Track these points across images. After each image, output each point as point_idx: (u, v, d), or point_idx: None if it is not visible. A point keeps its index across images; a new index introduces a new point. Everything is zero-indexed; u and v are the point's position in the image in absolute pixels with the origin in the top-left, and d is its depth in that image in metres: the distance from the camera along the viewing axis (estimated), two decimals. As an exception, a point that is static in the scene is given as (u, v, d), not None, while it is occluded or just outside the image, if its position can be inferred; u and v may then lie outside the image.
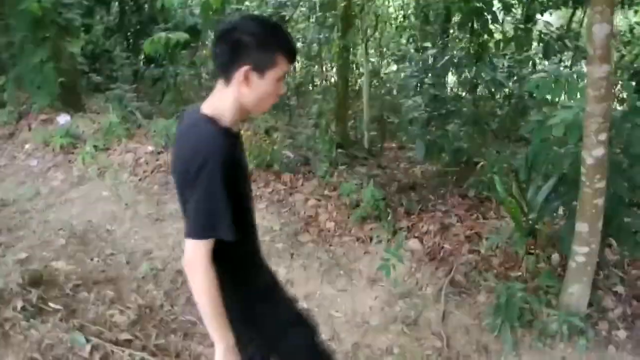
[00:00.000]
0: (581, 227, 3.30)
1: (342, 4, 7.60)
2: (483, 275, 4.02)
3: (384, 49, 9.14)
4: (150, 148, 6.95)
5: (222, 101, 1.59)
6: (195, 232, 1.51)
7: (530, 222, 3.89)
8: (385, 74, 8.94)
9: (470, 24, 5.25)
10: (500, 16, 5.36)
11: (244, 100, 1.58)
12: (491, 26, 5.25)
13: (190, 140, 1.57)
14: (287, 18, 10.26)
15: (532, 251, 4.10)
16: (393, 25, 9.66)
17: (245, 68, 1.52)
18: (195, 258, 1.50)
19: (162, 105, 9.16)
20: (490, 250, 4.35)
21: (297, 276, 4.20)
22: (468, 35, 5.93)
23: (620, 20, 11.63)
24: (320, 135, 6.72)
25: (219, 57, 1.57)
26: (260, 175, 5.99)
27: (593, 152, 3.09)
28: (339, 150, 6.75)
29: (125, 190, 5.72)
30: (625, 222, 3.67)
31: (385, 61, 9.07)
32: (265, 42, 1.52)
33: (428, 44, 7.03)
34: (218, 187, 1.47)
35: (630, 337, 3.50)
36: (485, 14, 5.05)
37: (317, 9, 8.86)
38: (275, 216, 5.18)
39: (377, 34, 8.92)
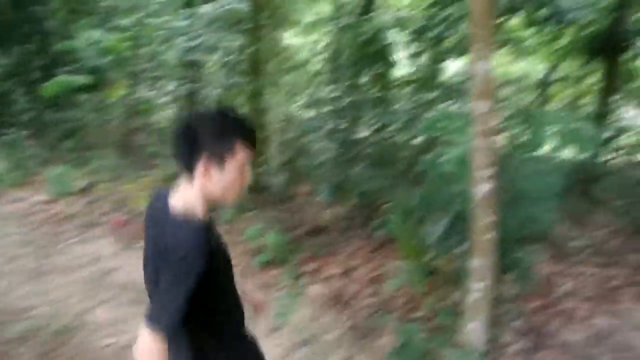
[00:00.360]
0: (475, 262, 3.30)
1: (251, 49, 7.64)
2: (385, 318, 3.92)
3: (297, 94, 9.22)
4: (42, 197, 6.45)
5: (190, 196, 1.59)
6: (154, 322, 1.47)
7: (430, 260, 3.88)
8: (296, 119, 9.00)
9: (372, 68, 5.36)
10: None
11: (209, 192, 1.58)
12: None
13: (169, 235, 1.55)
14: (197, 63, 10.18)
15: (434, 290, 4.07)
16: (307, 70, 9.82)
17: (203, 160, 1.52)
18: (152, 347, 1.46)
19: (61, 152, 8.64)
20: (393, 291, 4.29)
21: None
22: (371, 79, 6.05)
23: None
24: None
25: (179, 154, 1.56)
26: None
27: (481, 187, 3.13)
28: (249, 195, 6.58)
29: (10, 242, 5.21)
30: (518, 257, 3.73)
31: (297, 106, 9.15)
32: (221, 132, 1.52)
33: (335, 88, 7.14)
34: (189, 285, 1.47)
35: (528, 372, 3.50)
36: (388, 57, 5.17)
37: (226, 53, 8.85)
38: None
39: (288, 78, 9.01)
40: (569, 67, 13.09)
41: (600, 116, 9.42)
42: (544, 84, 11.69)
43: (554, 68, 12.98)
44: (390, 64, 5.02)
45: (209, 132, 1.50)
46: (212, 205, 1.63)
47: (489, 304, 3.43)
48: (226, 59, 8.85)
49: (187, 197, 1.60)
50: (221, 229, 5.50)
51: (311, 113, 7.93)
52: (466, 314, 3.46)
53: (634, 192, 8.19)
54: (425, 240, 3.81)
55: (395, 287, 4.25)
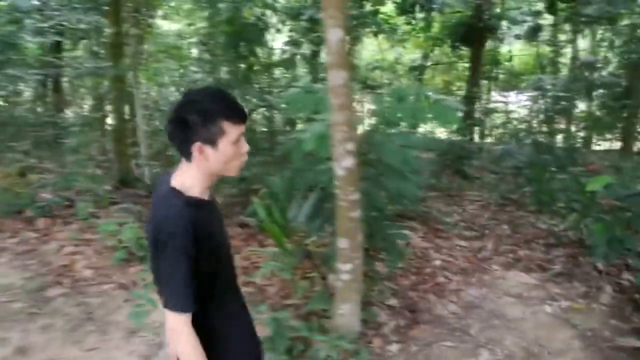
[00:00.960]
0: (342, 242, 3.15)
1: (112, 31, 7.00)
2: (257, 307, 3.68)
3: (169, 79, 8.67)
4: None
5: (188, 175, 1.64)
6: (174, 305, 1.55)
7: (300, 244, 3.69)
8: (166, 105, 8.45)
9: (237, 48, 5.06)
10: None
11: (209, 170, 1.63)
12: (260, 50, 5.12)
13: (160, 212, 1.61)
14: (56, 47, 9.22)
15: (307, 275, 3.90)
16: (180, 54, 9.28)
17: (197, 145, 1.57)
18: (177, 328, 1.56)
19: None
20: (266, 279, 4.06)
21: (35, 341, 3.40)
22: (242, 61, 5.75)
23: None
24: (83, 173, 5.91)
25: (173, 139, 1.62)
26: (5, 225, 4.99)
27: (343, 163, 2.97)
28: (121, 188, 6.05)
29: None
30: (388, 234, 3.66)
31: (167, 92, 8.60)
32: (208, 116, 1.56)
33: (206, 71, 6.75)
34: (182, 262, 1.53)
35: (402, 350, 3.44)
36: (253, 37, 4.89)
37: (89, 36, 8.08)
38: (19, 271, 4.28)
39: (159, 63, 8.44)
40: (441, 54, 13.72)
41: (469, 99, 9.91)
42: (417, 70, 12.07)
43: (426, 55, 13.51)
44: (263, 46, 4.76)
45: (197, 118, 1.55)
46: (214, 180, 1.69)
47: (359, 284, 3.32)
48: (87, 42, 8.09)
49: (185, 176, 1.65)
50: (76, 227, 4.91)
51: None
52: (337, 296, 3.32)
53: (502, 169, 8.71)
54: (293, 224, 3.61)
55: (267, 275, 4.02)
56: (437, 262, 4.76)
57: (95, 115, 9.16)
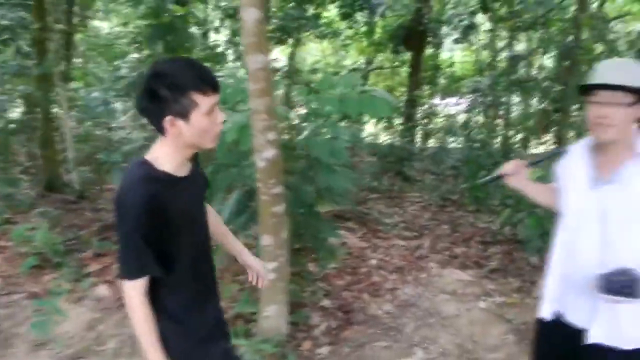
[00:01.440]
0: (265, 239, 2.97)
1: (35, 26, 6.59)
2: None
3: (98, 79, 8.26)
4: None
5: (162, 149, 1.60)
6: (122, 273, 1.59)
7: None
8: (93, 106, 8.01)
9: (164, 42, 4.81)
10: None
11: (184, 143, 1.58)
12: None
13: (121, 183, 1.58)
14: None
15: (235, 276, 3.69)
16: (112, 53, 8.89)
17: (169, 119, 1.51)
18: (129, 296, 1.59)
19: None
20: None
21: None
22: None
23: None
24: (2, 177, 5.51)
25: (144, 113, 1.58)
26: None
27: (264, 154, 2.80)
28: (48, 194, 5.66)
29: None
30: (318, 232, 3.50)
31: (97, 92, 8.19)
32: (178, 88, 1.49)
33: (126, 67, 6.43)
34: (134, 233, 1.53)
35: (333, 352, 3.28)
36: (181, 30, 4.66)
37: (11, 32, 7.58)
38: None
39: (89, 62, 8.02)
40: (384, 59, 13.82)
41: (410, 102, 9.96)
42: (360, 74, 12.07)
43: (369, 60, 13.57)
44: (192, 40, 4.55)
45: (166, 92, 1.49)
46: (190, 153, 1.64)
47: (285, 284, 3.14)
48: (12, 40, 7.59)
49: (159, 150, 1.61)
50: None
51: (114, 100, 7.08)
52: (262, 298, 3.13)
53: (442, 170, 8.77)
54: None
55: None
56: (374, 262, 4.65)
57: (23, 118, 8.62)
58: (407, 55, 11.25)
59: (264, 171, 2.82)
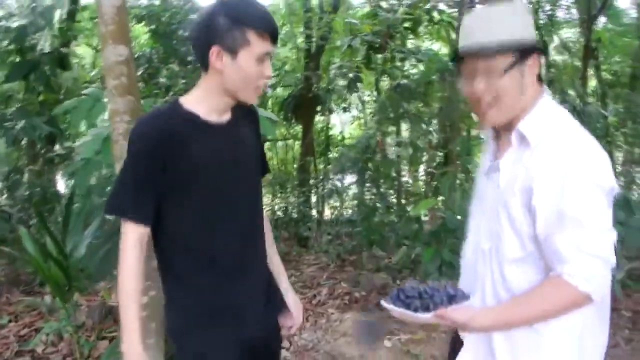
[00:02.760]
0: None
1: None
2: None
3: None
4: None
5: (198, 90, 1.52)
6: (111, 205, 1.49)
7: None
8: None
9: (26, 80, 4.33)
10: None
11: (224, 85, 1.46)
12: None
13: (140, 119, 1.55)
14: None
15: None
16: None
17: (215, 49, 1.42)
18: (124, 234, 1.45)
19: None
20: (49, 344, 3.16)
21: None
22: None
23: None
24: None
25: (195, 43, 1.49)
26: None
27: (127, 162, 2.40)
28: None
29: None
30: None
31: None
32: (235, 21, 1.41)
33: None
34: (130, 169, 1.45)
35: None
36: (47, 68, 4.24)
37: None
38: None
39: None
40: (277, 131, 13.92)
41: (303, 168, 9.93)
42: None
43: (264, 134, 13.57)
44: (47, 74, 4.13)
45: (223, 21, 1.41)
46: (228, 102, 1.52)
47: (159, 341, 2.62)
48: None
49: (196, 91, 1.53)
50: None
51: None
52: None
53: (340, 237, 8.64)
54: (74, 260, 2.84)
55: (51, 338, 3.14)
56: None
57: None
58: (299, 127, 11.40)
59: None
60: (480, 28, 1.29)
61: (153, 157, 1.42)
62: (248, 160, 1.60)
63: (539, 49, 1.34)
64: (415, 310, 1.28)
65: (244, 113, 1.61)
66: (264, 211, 1.77)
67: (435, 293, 1.31)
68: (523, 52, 1.28)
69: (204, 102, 1.50)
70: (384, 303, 1.35)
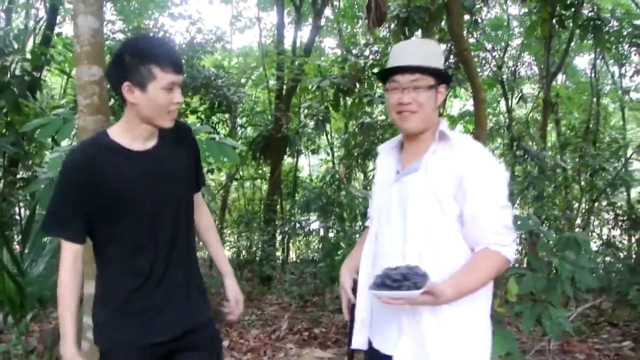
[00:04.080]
0: (90, 287, 2.46)
1: None
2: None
3: None
4: None
5: (122, 119, 1.68)
6: (40, 225, 1.77)
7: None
8: None
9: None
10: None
11: (140, 114, 1.62)
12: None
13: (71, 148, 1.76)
14: None
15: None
16: None
17: (126, 84, 1.58)
18: (61, 252, 1.63)
19: None
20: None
21: None
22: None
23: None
24: None
25: (109, 81, 1.67)
26: None
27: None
28: None
29: None
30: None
31: None
32: (140, 58, 1.57)
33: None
34: (58, 193, 1.64)
35: None
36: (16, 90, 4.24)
37: None
38: None
39: None
40: (246, 172, 13.91)
41: (268, 207, 9.91)
42: (222, 188, 11.93)
43: (231, 174, 13.54)
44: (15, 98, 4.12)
45: (131, 59, 1.56)
46: (146, 129, 1.66)
47: None
48: None
49: (120, 122, 1.70)
50: None
51: None
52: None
53: (304, 277, 8.58)
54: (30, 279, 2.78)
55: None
56: (225, 343, 4.15)
57: None
58: (267, 167, 11.43)
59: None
60: (410, 53, 1.63)
61: (76, 184, 1.60)
62: (175, 181, 1.75)
63: (447, 80, 1.70)
64: (408, 289, 1.44)
65: (173, 135, 1.76)
66: (207, 220, 2.00)
67: (413, 275, 1.47)
68: (438, 77, 1.64)
69: (126, 132, 1.67)
70: (372, 291, 1.47)
